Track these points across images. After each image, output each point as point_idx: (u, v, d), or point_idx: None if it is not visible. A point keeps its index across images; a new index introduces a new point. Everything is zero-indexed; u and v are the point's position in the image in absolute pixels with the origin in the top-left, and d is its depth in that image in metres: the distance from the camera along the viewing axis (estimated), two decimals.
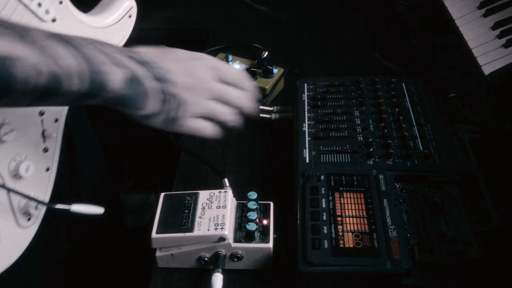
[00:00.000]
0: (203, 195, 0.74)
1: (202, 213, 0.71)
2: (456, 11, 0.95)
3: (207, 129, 0.73)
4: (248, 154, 0.91)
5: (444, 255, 0.64)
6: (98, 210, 0.75)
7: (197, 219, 0.70)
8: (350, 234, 0.66)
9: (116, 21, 0.85)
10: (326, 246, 0.64)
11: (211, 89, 0.71)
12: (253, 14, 1.33)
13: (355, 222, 0.67)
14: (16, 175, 0.70)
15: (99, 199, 1.07)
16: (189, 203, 0.73)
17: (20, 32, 0.56)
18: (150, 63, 0.67)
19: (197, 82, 0.70)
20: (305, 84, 0.94)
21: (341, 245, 0.65)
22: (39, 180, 0.75)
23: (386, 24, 1.23)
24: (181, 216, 0.71)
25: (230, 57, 1.08)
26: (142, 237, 0.76)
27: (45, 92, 0.58)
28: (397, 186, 0.74)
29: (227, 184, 0.79)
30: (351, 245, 0.65)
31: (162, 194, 0.75)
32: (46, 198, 0.76)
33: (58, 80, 0.58)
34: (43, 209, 0.75)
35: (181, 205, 0.72)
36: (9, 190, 0.68)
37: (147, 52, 0.68)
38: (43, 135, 0.75)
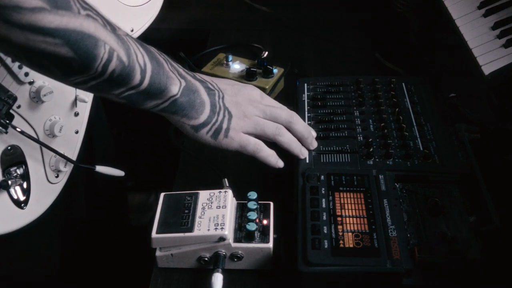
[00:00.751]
0: (203, 195, 0.74)
1: (202, 213, 0.71)
2: (456, 11, 0.95)
3: (256, 144, 0.76)
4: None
5: (444, 255, 0.64)
6: (119, 172, 0.85)
7: (197, 219, 0.70)
8: (350, 234, 0.66)
9: (148, 0, 0.94)
10: (326, 246, 0.64)
11: (257, 107, 0.77)
12: (253, 14, 1.33)
13: (355, 222, 0.67)
14: (50, 134, 0.78)
15: (104, 197, 1.08)
16: (189, 203, 0.73)
17: (103, 22, 0.62)
18: (204, 81, 0.75)
19: (246, 100, 0.77)
20: (305, 84, 0.94)
21: (341, 245, 0.65)
22: (68, 141, 0.82)
23: (386, 24, 1.23)
24: (181, 216, 0.71)
25: (230, 57, 1.08)
26: (142, 237, 0.76)
27: (114, 79, 0.64)
28: (397, 186, 0.74)
29: (227, 184, 0.79)
30: (351, 245, 0.65)
31: (162, 194, 0.75)
32: (73, 158, 0.83)
33: (127, 71, 0.64)
34: (70, 168, 0.82)
35: (181, 205, 0.72)
36: (44, 145, 0.75)
37: (202, 75, 0.77)
38: (75, 100, 0.82)
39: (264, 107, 0.78)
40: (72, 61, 0.59)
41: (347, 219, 0.68)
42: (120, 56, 0.63)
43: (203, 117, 0.73)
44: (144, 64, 0.66)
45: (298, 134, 0.79)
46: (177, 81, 0.70)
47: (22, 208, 0.73)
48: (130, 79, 0.65)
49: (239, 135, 0.75)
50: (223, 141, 0.75)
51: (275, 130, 0.77)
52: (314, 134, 0.81)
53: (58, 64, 0.60)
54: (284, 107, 0.81)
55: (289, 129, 0.78)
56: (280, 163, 0.78)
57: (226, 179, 0.79)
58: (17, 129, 0.71)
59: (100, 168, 0.83)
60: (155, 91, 0.68)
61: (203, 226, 0.69)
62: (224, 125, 0.74)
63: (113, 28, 0.63)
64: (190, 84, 0.72)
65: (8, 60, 0.70)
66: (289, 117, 0.78)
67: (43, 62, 0.60)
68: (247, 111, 0.76)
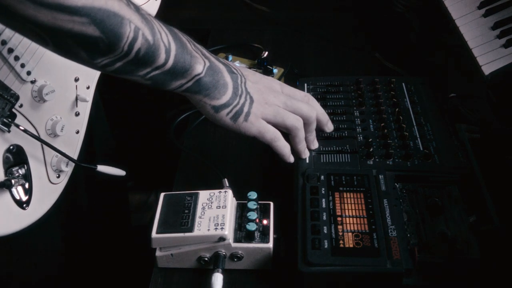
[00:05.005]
0: (203, 195, 0.74)
1: (202, 213, 0.71)
2: (456, 11, 0.95)
3: (275, 132, 0.76)
4: (248, 154, 0.91)
5: (444, 255, 0.64)
6: (120, 172, 0.85)
7: (197, 219, 0.70)
8: (350, 234, 0.66)
9: (145, 2, 0.94)
10: (326, 246, 0.65)
11: (278, 97, 0.77)
12: (253, 14, 1.33)
13: (355, 222, 0.67)
14: (52, 133, 0.78)
15: (105, 198, 1.08)
16: (189, 203, 0.73)
17: (127, 1, 0.62)
18: (226, 64, 0.75)
19: (267, 88, 0.77)
20: (305, 84, 0.94)
21: (341, 245, 0.65)
22: (70, 141, 0.82)
23: (386, 24, 1.23)
24: (181, 216, 0.71)
25: (230, 57, 1.08)
26: (142, 237, 0.76)
27: (139, 58, 0.64)
28: (397, 186, 0.74)
29: (227, 184, 0.79)
30: (351, 245, 0.65)
31: (162, 194, 0.75)
32: (75, 158, 0.83)
33: (152, 50, 0.64)
34: (71, 168, 0.82)
35: (181, 205, 0.72)
36: (47, 144, 0.75)
37: (224, 59, 0.77)
38: (76, 100, 0.83)
39: (285, 99, 0.77)
40: (99, 41, 0.59)
41: (347, 219, 0.68)
42: (145, 35, 0.63)
43: (225, 98, 0.73)
44: (168, 43, 0.66)
45: (308, 131, 0.78)
46: (201, 60, 0.70)
47: (24, 208, 0.72)
48: (156, 58, 0.65)
49: (259, 121, 0.75)
50: (242, 124, 0.74)
51: (295, 122, 0.76)
52: (316, 145, 0.81)
53: (84, 45, 0.60)
54: (302, 93, 0.80)
55: (305, 123, 0.78)
56: (291, 158, 0.78)
57: (226, 179, 0.79)
58: (20, 127, 0.71)
59: (101, 168, 0.83)
60: (180, 70, 0.68)
61: (203, 226, 0.69)
62: (245, 109, 0.74)
63: (136, 7, 0.63)
64: (213, 65, 0.72)
65: (11, 59, 0.70)
66: (310, 112, 0.78)
67: (70, 43, 0.60)
68: (268, 98, 0.76)
